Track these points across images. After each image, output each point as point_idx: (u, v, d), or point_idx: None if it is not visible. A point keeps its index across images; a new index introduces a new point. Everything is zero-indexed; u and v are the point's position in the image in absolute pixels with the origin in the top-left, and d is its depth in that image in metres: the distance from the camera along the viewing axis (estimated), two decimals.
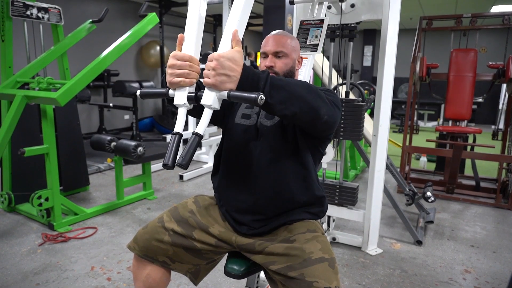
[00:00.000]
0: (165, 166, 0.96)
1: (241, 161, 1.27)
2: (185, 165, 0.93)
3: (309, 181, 1.26)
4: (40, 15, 3.11)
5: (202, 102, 0.97)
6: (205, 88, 0.97)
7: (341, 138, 2.40)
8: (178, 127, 1.01)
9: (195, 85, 1.02)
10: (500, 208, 3.42)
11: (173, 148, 0.96)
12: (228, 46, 0.98)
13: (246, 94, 0.92)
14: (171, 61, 1.00)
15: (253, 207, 1.25)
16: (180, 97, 1.00)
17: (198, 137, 0.96)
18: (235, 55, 0.95)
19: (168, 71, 1.01)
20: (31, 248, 2.43)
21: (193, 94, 1.00)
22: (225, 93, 0.95)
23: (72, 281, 2.07)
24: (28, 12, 3.02)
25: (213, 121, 1.30)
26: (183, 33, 1.05)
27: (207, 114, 1.00)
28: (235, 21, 1.00)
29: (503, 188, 3.55)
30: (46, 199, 2.62)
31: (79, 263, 2.27)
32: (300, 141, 1.23)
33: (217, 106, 0.97)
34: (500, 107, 6.50)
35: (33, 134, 3.08)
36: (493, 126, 4.89)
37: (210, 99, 0.96)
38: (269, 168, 1.23)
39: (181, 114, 1.03)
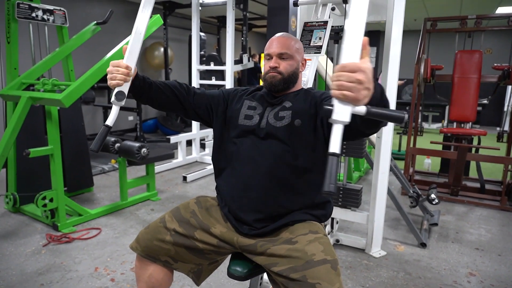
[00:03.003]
0: (92, 151, 1.17)
1: (245, 162, 1.27)
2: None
3: (314, 183, 1.26)
4: (45, 17, 3.14)
5: (335, 117, 0.84)
6: (337, 101, 0.84)
7: (343, 155, 2.40)
8: (109, 120, 1.20)
9: (127, 85, 1.20)
10: (505, 210, 3.39)
11: (101, 136, 1.16)
12: (357, 56, 0.85)
13: (389, 112, 0.83)
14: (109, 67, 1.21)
15: (255, 207, 1.25)
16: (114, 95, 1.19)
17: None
18: (371, 67, 0.84)
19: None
20: (36, 249, 2.45)
21: (119, 91, 1.18)
22: (363, 109, 0.84)
23: (76, 282, 2.08)
24: (33, 14, 3.04)
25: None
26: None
27: (338, 132, 0.85)
28: (362, 24, 0.88)
29: (508, 190, 3.52)
30: (51, 200, 2.63)
31: (83, 263, 2.28)
32: (313, 143, 1.23)
33: (348, 120, 0.85)
34: (505, 109, 6.46)
35: (38, 135, 3.10)
36: (498, 128, 4.86)
37: (347, 114, 0.84)
38: (274, 168, 1.23)
39: (114, 110, 1.22)
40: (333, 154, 0.84)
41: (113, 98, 1.19)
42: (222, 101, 1.41)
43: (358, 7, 0.89)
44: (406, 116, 0.83)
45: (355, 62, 0.83)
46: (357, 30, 0.87)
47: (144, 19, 1.25)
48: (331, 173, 0.82)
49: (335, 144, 0.85)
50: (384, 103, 0.95)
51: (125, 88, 1.21)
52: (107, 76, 1.20)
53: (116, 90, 1.19)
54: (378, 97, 0.92)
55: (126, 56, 1.23)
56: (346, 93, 0.82)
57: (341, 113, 0.84)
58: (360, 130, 1.06)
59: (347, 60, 0.84)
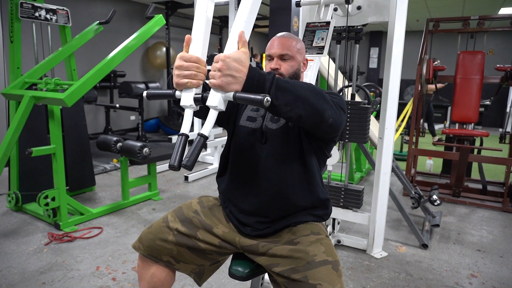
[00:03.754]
0: (171, 167, 0.95)
1: (246, 163, 1.27)
2: (190, 166, 0.94)
3: (313, 183, 1.26)
4: (48, 16, 3.14)
5: (208, 103, 0.97)
6: (211, 89, 0.96)
7: (346, 140, 2.39)
8: (185, 128, 1.01)
9: (201, 86, 1.02)
10: (507, 212, 3.38)
11: (179, 149, 0.96)
12: (234, 47, 0.98)
13: (252, 96, 0.92)
14: (178, 62, 1.00)
15: (257, 208, 1.25)
16: (187, 98, 1.00)
17: (203, 138, 0.97)
18: (241, 56, 0.95)
19: (175, 72, 1.00)
20: (37, 247, 2.45)
21: (200, 96, 1.00)
22: (231, 94, 0.94)
23: (77, 281, 2.09)
24: (36, 14, 3.05)
25: (217, 123, 1.28)
26: (190, 34, 1.06)
27: (212, 116, 1.00)
28: (242, 22, 1.01)
29: (510, 192, 3.51)
30: (53, 199, 2.64)
31: (85, 263, 2.28)
32: (305, 144, 1.23)
33: (222, 107, 0.97)
34: (507, 110, 6.44)
35: (40, 134, 3.11)
36: (500, 129, 4.84)
37: (216, 100, 0.95)
38: (274, 170, 1.23)
39: (188, 115, 1.03)
40: (201, 135, 0.96)
41: (191, 102, 0.99)
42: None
43: (243, 6, 1.02)
44: (266, 98, 0.89)
45: (218, 54, 0.95)
46: (238, 26, 1.00)
47: (212, 3, 1.09)
48: (193, 151, 0.94)
49: (206, 127, 0.99)
50: (262, 88, 0.97)
51: (200, 89, 1.02)
52: (183, 74, 0.99)
53: (194, 91, 1.00)
54: (255, 84, 0.97)
55: (200, 50, 1.02)
56: (211, 81, 0.95)
57: (212, 99, 0.96)
58: (310, 130, 1.16)
59: (227, 51, 0.97)
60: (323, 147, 1.29)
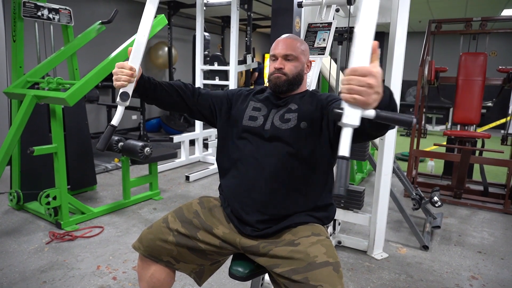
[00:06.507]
0: (99, 150, 1.18)
1: (249, 163, 1.27)
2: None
3: (318, 186, 1.26)
4: (51, 16, 3.15)
5: (345, 121, 0.85)
6: (347, 105, 0.84)
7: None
8: (114, 120, 1.23)
9: (131, 85, 1.22)
10: (508, 214, 3.37)
11: (106, 136, 1.21)
12: (367, 60, 0.85)
13: (398, 116, 0.84)
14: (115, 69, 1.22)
15: (258, 208, 1.25)
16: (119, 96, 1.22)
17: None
18: (380, 71, 0.85)
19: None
20: (39, 246, 2.46)
21: (123, 92, 1.21)
22: (372, 113, 0.84)
23: (78, 280, 2.09)
24: (39, 13, 3.06)
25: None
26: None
27: (348, 135, 0.85)
28: (371, 29, 0.87)
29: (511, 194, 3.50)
30: (54, 198, 2.65)
31: (85, 262, 2.29)
32: (319, 147, 1.23)
33: (358, 124, 0.86)
34: (509, 111, 6.42)
35: (42, 133, 3.12)
36: (502, 131, 4.84)
37: (356, 118, 0.84)
38: (278, 170, 1.23)
39: (119, 110, 1.25)
40: (343, 157, 0.84)
41: (118, 99, 1.22)
42: (226, 101, 1.42)
43: (368, 10, 0.88)
44: (414, 120, 0.84)
45: (366, 66, 0.83)
46: (367, 33, 0.86)
47: (148, 20, 1.28)
48: (341, 176, 0.83)
49: (344, 147, 0.85)
50: (393, 106, 0.95)
51: (130, 88, 1.23)
52: (113, 77, 1.22)
53: (121, 90, 1.21)
54: (387, 101, 0.92)
55: (130, 58, 1.26)
56: (357, 97, 0.82)
57: (351, 116, 0.84)
58: (368, 133, 1.05)
59: (357, 64, 0.84)
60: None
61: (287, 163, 1.23)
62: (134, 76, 1.22)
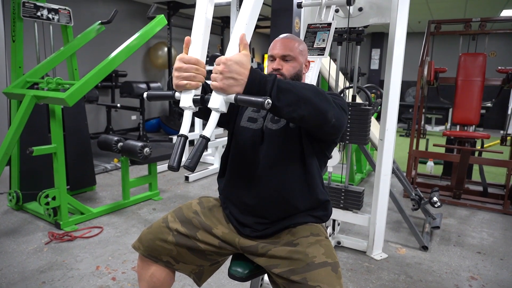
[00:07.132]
0: (170, 168, 0.96)
1: (246, 164, 1.27)
2: (192, 168, 0.95)
3: (313, 185, 1.26)
4: (50, 16, 3.15)
5: (210, 105, 0.98)
6: (213, 91, 0.97)
7: (347, 142, 2.39)
8: (184, 129, 1.02)
9: (201, 87, 1.03)
10: (508, 214, 3.37)
11: (179, 150, 0.97)
12: (235, 50, 0.98)
13: (253, 98, 0.92)
14: (177, 64, 1.01)
15: (256, 209, 1.25)
16: (186, 100, 1.01)
17: (205, 140, 0.97)
18: (242, 59, 0.95)
19: (175, 73, 1.01)
20: (38, 247, 2.46)
21: (199, 97, 1.01)
22: (232, 96, 0.95)
23: (77, 280, 2.09)
24: (38, 13, 3.06)
25: (218, 123, 1.28)
26: (190, 36, 1.06)
27: (214, 117, 1.00)
28: (243, 24, 1.01)
29: (511, 194, 3.50)
30: (53, 198, 2.65)
31: (85, 262, 2.29)
32: (306, 145, 1.23)
33: (224, 109, 0.98)
34: (509, 112, 6.43)
35: (41, 133, 3.11)
36: (501, 131, 4.84)
37: (218, 102, 0.96)
38: (273, 171, 1.23)
39: (187, 116, 1.04)
40: (203, 137, 0.96)
41: (190, 103, 1.00)
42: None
43: (244, 8, 1.02)
44: (266, 101, 0.90)
45: (220, 56, 0.96)
46: (239, 28, 1.00)
47: (211, 5, 1.08)
48: (195, 152, 0.94)
49: (208, 129, 0.98)
50: (265, 90, 0.97)
51: (199, 90, 1.03)
52: (182, 76, 1.00)
53: (193, 92, 1.01)
54: (256, 86, 0.97)
55: (199, 51, 1.03)
56: (213, 83, 0.95)
57: (214, 101, 0.97)
58: (313, 131, 1.17)
59: (229, 53, 0.97)
60: (324, 149, 1.29)
61: (280, 164, 1.23)
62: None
